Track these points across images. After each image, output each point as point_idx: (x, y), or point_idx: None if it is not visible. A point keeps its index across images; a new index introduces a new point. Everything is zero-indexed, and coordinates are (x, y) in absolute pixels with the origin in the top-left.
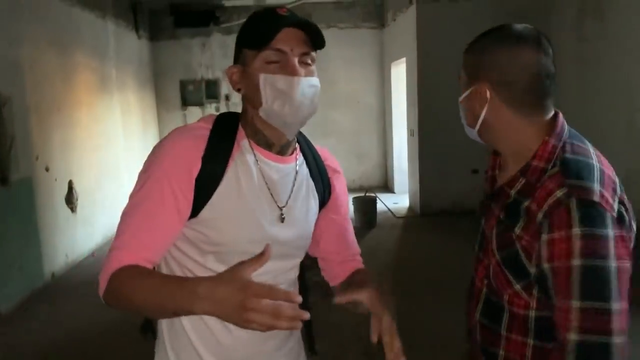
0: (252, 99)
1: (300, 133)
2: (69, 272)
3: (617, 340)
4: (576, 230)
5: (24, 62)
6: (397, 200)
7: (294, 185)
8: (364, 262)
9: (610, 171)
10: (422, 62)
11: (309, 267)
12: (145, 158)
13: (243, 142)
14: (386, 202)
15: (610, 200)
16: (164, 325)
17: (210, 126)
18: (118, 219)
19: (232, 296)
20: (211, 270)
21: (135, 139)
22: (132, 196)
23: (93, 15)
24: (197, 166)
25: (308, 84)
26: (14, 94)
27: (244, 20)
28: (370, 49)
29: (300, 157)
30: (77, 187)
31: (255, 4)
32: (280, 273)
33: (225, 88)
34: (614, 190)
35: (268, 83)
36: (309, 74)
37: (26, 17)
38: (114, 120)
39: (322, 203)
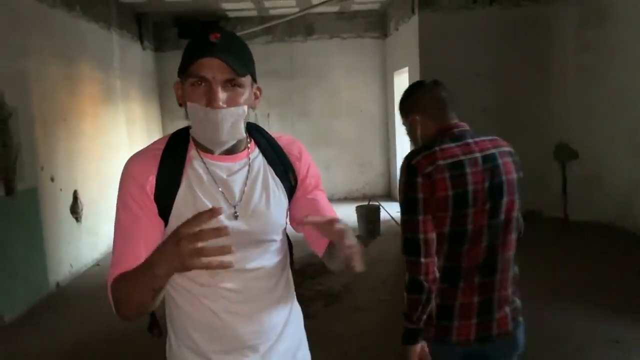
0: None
1: (252, 125)
2: (74, 281)
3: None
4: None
5: (29, 73)
6: None
7: (247, 178)
8: (370, 272)
9: (447, 159)
10: (425, 71)
11: (312, 275)
12: None
13: (192, 152)
14: (390, 211)
15: (425, 164)
16: (168, 320)
17: (162, 145)
18: None
19: (170, 242)
20: (190, 275)
21: (140, 149)
22: (115, 220)
23: (98, 27)
24: (151, 183)
25: (227, 114)
26: (20, 105)
27: (247, 30)
28: (372, 58)
29: (256, 150)
30: (81, 197)
31: (258, 14)
32: (248, 272)
33: None
34: (432, 163)
35: (191, 111)
36: (235, 97)
37: (31, 29)
38: (119, 130)
39: (291, 188)
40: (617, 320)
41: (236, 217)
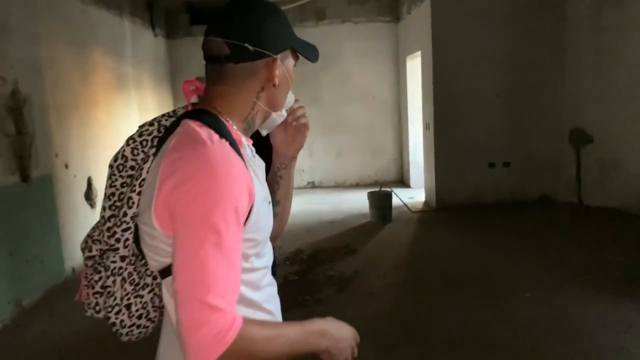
0: (275, 98)
1: None
2: None
3: None
4: None
5: (42, 61)
6: (413, 195)
7: None
8: (381, 257)
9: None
10: (437, 55)
11: (323, 261)
12: None
13: (239, 137)
14: (402, 197)
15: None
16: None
17: (220, 135)
18: None
19: (350, 338)
20: (254, 269)
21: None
22: (205, 239)
23: (110, 14)
24: (251, 186)
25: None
26: (34, 92)
27: None
28: (385, 43)
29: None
30: (96, 183)
31: None
32: None
33: None
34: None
35: (287, 98)
36: None
37: (44, 16)
38: (132, 118)
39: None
40: (631, 304)
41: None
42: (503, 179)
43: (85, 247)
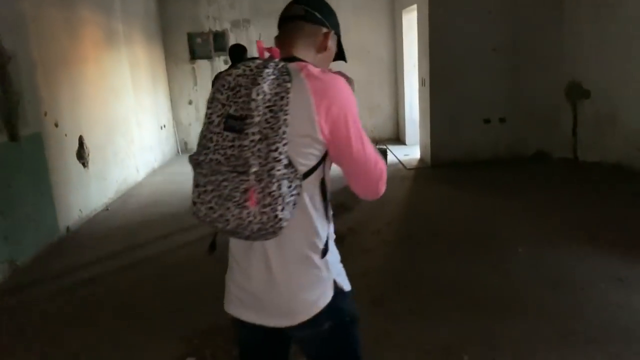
0: (321, 61)
1: None
2: (84, 226)
3: None
4: None
5: (26, 15)
6: (408, 152)
7: None
8: (375, 214)
9: None
10: (434, 8)
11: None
12: (156, 113)
13: None
14: (397, 154)
15: None
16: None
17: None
18: (130, 173)
19: None
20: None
21: (145, 94)
22: (359, 128)
23: None
24: None
25: None
26: (18, 49)
27: None
28: None
29: None
30: (87, 142)
31: None
32: None
33: (233, 40)
34: None
35: (331, 65)
36: None
37: None
38: (123, 75)
39: None
40: (622, 259)
41: None
42: (499, 135)
43: (240, 168)
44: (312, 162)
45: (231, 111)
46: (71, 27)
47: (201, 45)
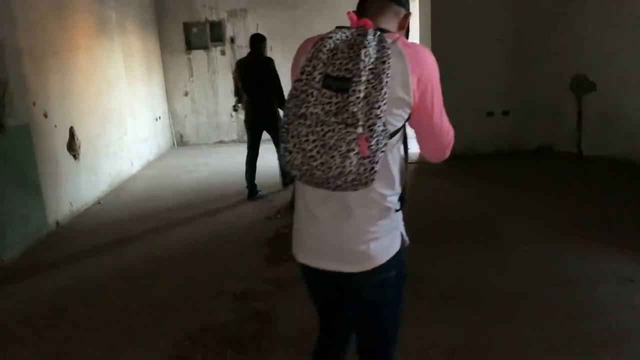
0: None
1: None
2: (74, 220)
3: None
4: None
5: (14, 1)
6: (410, 145)
7: None
8: None
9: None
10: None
11: None
12: (151, 105)
13: None
14: None
15: None
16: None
17: None
18: (124, 166)
19: None
20: None
21: (140, 84)
22: (440, 100)
23: None
24: None
25: None
26: (5, 35)
27: None
28: None
29: None
30: (79, 133)
31: None
32: None
33: (230, 30)
34: None
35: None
36: None
37: None
38: (116, 65)
39: None
40: (631, 258)
41: None
42: (501, 128)
43: (351, 125)
44: (399, 124)
45: (328, 71)
46: (61, 15)
47: (197, 35)
